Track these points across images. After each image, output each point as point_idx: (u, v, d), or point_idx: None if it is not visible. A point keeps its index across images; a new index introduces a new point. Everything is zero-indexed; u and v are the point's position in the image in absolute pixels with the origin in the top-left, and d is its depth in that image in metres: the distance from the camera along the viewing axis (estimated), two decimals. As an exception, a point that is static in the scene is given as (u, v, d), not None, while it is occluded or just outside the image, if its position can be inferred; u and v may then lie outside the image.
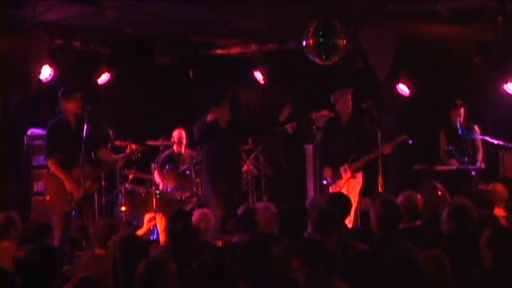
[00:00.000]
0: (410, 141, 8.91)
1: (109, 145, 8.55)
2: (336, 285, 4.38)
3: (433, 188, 6.88)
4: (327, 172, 9.08)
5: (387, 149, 8.84)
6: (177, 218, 6.11)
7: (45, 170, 8.90)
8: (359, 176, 8.95)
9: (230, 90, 11.36)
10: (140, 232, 8.91)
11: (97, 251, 5.97)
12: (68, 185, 8.00)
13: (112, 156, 8.60)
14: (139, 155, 8.90)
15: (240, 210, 6.50)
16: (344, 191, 8.53)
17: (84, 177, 8.02)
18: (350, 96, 9.02)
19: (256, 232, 6.02)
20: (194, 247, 5.13)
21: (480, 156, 9.36)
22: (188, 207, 9.17)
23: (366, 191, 8.78)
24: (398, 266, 4.18)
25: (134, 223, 9.40)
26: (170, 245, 5.63)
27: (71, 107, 8.14)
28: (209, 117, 8.98)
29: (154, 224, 9.09)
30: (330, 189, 8.89)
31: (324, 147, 9.37)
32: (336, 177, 8.98)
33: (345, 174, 8.94)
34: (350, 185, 8.85)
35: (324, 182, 9.11)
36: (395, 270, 4.17)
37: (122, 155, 8.69)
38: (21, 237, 6.26)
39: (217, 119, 9.00)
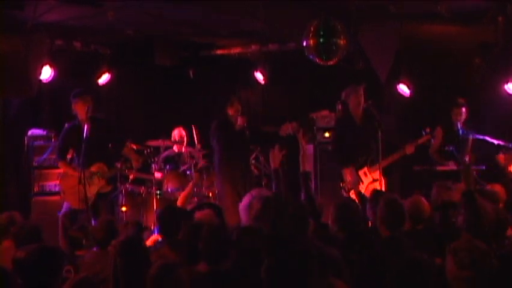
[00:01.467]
0: (433, 141, 8.86)
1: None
2: (331, 283, 4.37)
3: (445, 188, 6.85)
4: (349, 176, 8.65)
5: (410, 149, 8.68)
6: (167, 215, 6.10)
7: (56, 170, 9.09)
8: (381, 179, 8.57)
9: (230, 90, 11.36)
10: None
11: (97, 250, 5.98)
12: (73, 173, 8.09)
13: (135, 155, 8.75)
14: (155, 158, 9.02)
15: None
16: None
17: (96, 176, 8.16)
18: (362, 92, 8.78)
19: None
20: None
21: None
22: (189, 207, 9.15)
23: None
24: (405, 267, 4.17)
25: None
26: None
27: (78, 109, 8.22)
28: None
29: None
30: (351, 195, 8.50)
31: (339, 148, 8.97)
32: (357, 181, 8.63)
33: (366, 178, 8.65)
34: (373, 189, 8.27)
35: (341, 184, 8.67)
36: (402, 271, 4.16)
37: (138, 156, 8.81)
38: (15, 240, 6.23)
39: (232, 118, 9.19)
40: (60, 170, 8.69)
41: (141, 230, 8.58)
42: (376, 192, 6.92)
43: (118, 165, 8.69)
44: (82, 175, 7.94)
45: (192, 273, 4.77)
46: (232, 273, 4.77)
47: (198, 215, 6.65)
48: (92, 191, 8.19)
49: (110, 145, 8.49)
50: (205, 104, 11.49)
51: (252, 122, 9.64)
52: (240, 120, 9.19)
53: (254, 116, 11.31)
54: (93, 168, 8.25)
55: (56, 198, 8.99)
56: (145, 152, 8.99)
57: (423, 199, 6.22)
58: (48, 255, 4.71)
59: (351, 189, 8.59)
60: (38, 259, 4.65)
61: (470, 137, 9.27)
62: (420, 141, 8.81)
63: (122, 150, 8.66)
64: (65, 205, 8.43)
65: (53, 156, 9.28)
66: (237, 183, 9.21)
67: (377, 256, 5.05)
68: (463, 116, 9.30)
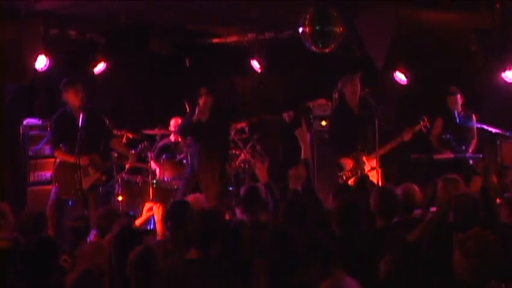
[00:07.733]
0: (424, 130, 8.92)
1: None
2: (333, 274, 4.36)
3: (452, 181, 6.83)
4: (349, 165, 8.67)
5: (407, 136, 8.76)
6: (176, 209, 6.07)
7: (51, 160, 9.00)
8: (377, 168, 8.51)
9: (226, 79, 11.33)
10: (138, 221, 8.94)
11: (96, 240, 5.94)
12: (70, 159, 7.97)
13: (125, 148, 8.68)
14: (148, 152, 8.97)
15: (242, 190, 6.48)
16: None
17: (91, 168, 8.09)
18: (358, 81, 8.80)
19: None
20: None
21: (472, 146, 9.29)
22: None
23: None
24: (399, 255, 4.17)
25: (131, 213, 9.41)
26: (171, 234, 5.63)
27: (72, 97, 8.16)
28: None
29: (152, 213, 9.17)
30: (351, 183, 8.34)
31: (335, 137, 9.01)
32: (356, 169, 8.64)
33: (365, 167, 8.65)
34: (370, 178, 8.36)
35: (340, 174, 8.66)
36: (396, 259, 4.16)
37: (133, 151, 8.73)
38: (18, 229, 6.18)
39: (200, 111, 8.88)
40: (56, 160, 8.58)
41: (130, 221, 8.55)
42: (373, 185, 6.94)
43: (115, 154, 8.64)
44: (78, 163, 7.88)
45: (183, 261, 4.75)
46: (222, 259, 4.75)
47: (189, 198, 6.68)
48: (86, 182, 8.11)
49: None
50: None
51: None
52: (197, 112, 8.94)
53: (251, 105, 11.31)
54: (88, 160, 8.16)
55: (51, 187, 8.93)
56: (140, 146, 8.89)
57: (414, 186, 6.22)
58: (42, 245, 4.71)
59: (350, 177, 8.58)
60: (33, 250, 4.65)
61: (470, 125, 9.24)
62: (417, 127, 8.83)
63: (109, 142, 8.54)
64: (52, 193, 8.31)
65: (48, 146, 9.22)
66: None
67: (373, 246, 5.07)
68: (459, 103, 9.26)
